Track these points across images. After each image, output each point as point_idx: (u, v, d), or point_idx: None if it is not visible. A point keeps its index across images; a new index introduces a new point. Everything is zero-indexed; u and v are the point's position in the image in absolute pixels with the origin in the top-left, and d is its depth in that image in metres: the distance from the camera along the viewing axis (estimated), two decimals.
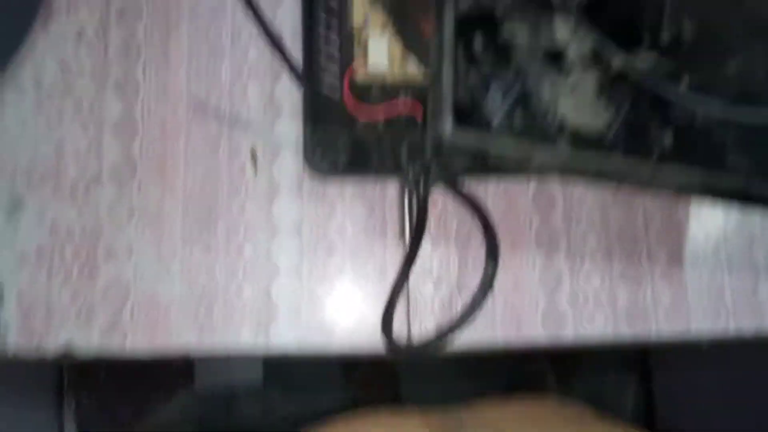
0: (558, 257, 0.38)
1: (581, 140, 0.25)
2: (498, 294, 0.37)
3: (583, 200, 0.38)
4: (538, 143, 0.25)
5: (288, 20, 0.38)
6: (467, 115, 0.24)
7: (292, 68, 0.37)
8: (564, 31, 0.27)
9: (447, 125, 0.25)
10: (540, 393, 0.90)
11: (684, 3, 0.28)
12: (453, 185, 0.37)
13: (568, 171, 0.27)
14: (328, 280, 0.37)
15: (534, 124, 0.25)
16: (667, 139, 0.26)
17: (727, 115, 0.27)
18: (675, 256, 0.38)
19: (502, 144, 0.25)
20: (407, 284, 0.36)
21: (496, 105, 0.25)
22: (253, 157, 0.37)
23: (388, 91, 0.36)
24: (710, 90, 0.27)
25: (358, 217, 0.37)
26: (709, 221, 0.39)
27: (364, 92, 0.35)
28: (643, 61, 0.27)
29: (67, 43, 0.36)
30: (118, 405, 0.98)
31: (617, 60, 0.27)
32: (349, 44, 0.35)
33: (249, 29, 0.38)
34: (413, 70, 0.35)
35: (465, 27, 0.25)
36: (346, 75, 0.35)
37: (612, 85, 0.27)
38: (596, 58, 0.27)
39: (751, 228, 0.39)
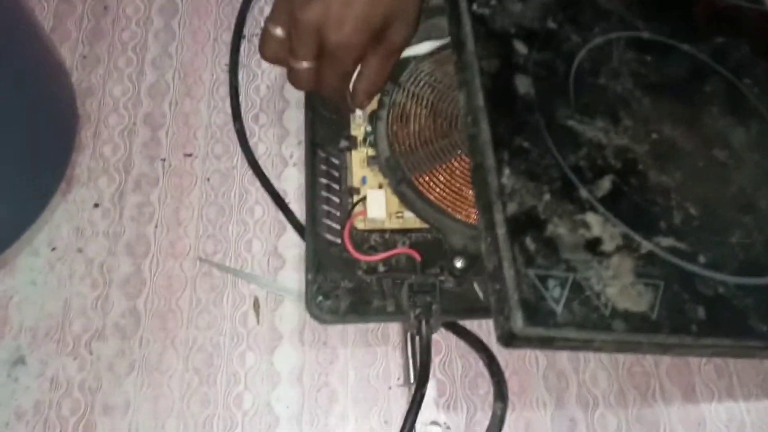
0: (569, 399, 0.36)
1: (631, 322, 0.29)
2: None
3: None
4: (596, 329, 0.28)
5: (292, 181, 0.41)
6: (533, 310, 0.28)
7: (294, 223, 0.39)
8: (596, 225, 0.31)
9: (518, 322, 0.27)
10: None
11: (685, 190, 0.34)
12: (455, 327, 0.37)
13: (623, 349, 0.31)
14: (331, 430, 0.35)
15: (589, 312, 0.28)
16: (701, 313, 0.30)
17: (741, 284, 0.31)
18: (690, 398, 0.37)
19: (566, 332, 0.28)
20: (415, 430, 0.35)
21: (555, 297, 0.28)
22: (256, 306, 0.38)
23: (386, 239, 0.37)
24: (723, 264, 0.32)
25: (361, 363, 0.37)
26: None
27: (363, 241, 0.37)
28: (665, 244, 0.32)
29: (84, 211, 0.39)
30: None
31: (644, 245, 0.31)
32: (349, 200, 0.38)
33: (255, 190, 0.41)
34: (408, 221, 0.38)
35: (516, 227, 0.30)
36: (348, 225, 0.37)
37: (645, 268, 0.30)
38: (627, 246, 0.31)
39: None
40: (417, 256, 0.36)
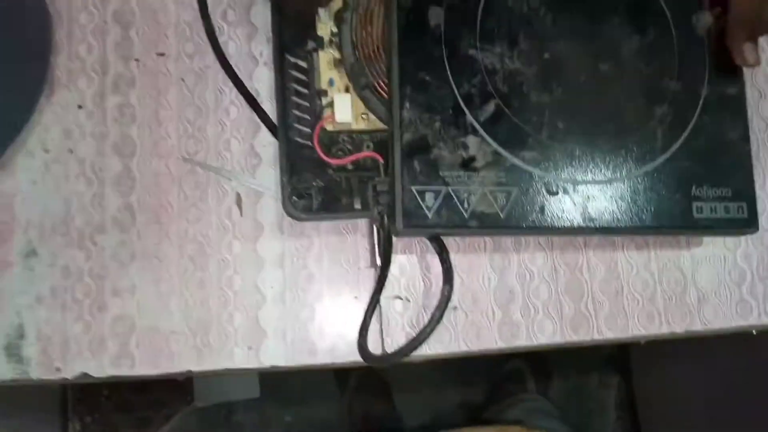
0: (510, 275, 0.43)
1: (483, 220, 0.37)
2: (459, 309, 0.42)
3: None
4: (456, 227, 0.37)
5: (264, 81, 0.43)
6: (410, 215, 0.37)
7: (267, 124, 0.42)
8: (473, 145, 0.37)
9: (400, 224, 0.37)
10: (520, 392, 0.95)
11: (560, 106, 0.39)
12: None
13: (475, 235, 0.42)
14: (309, 305, 0.42)
15: (453, 215, 0.37)
16: (540, 212, 0.38)
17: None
18: (612, 271, 0.44)
19: (434, 230, 0.39)
20: (379, 305, 0.42)
21: (429, 206, 0.37)
22: (239, 201, 0.42)
23: (354, 139, 0.41)
24: (573, 172, 0.39)
25: (334, 249, 0.42)
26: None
27: (333, 142, 0.41)
28: (528, 157, 0.38)
29: (69, 113, 0.42)
30: (120, 423, 1.02)
31: (510, 159, 0.38)
32: (317, 102, 0.41)
33: (229, 90, 0.43)
34: (373, 121, 0.41)
35: (409, 152, 0.37)
36: (317, 128, 0.40)
37: (505, 178, 0.38)
38: (495, 161, 0.37)
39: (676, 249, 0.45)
40: (380, 158, 0.40)
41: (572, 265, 0.44)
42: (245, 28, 0.44)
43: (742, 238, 0.45)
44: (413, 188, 0.36)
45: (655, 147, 0.39)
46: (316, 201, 0.40)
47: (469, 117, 0.37)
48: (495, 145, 0.37)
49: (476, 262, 0.43)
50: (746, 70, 0.43)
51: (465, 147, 0.37)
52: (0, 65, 0.38)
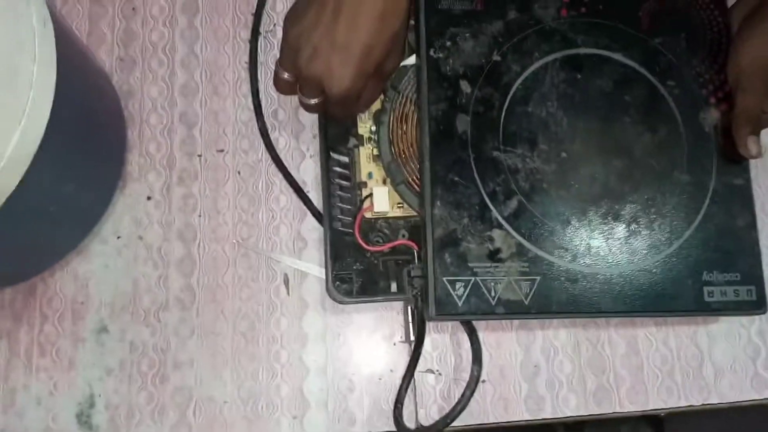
0: (535, 350, 0.47)
1: (509, 307, 0.41)
2: (488, 382, 0.46)
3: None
4: (484, 314, 0.41)
5: (310, 172, 0.48)
6: (442, 304, 0.40)
7: (313, 211, 0.47)
8: (498, 238, 0.42)
9: (432, 312, 0.41)
10: None
11: (577, 201, 0.43)
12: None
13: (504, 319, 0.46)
14: (349, 378, 0.46)
15: (481, 303, 0.41)
16: (563, 297, 0.42)
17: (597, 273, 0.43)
18: (633, 347, 0.47)
19: (463, 317, 0.43)
20: (413, 379, 0.45)
21: (459, 295, 0.40)
22: (286, 281, 0.47)
23: (390, 225, 0.46)
24: (590, 260, 0.43)
25: (371, 326, 0.46)
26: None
27: (371, 228, 0.45)
28: (549, 248, 0.42)
29: (140, 204, 0.47)
30: None
31: (532, 251, 0.42)
32: (358, 193, 0.46)
33: (279, 181, 0.48)
34: (408, 209, 0.45)
35: (441, 246, 0.41)
36: (358, 218, 0.45)
37: (529, 268, 0.42)
38: (519, 252, 0.41)
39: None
40: (414, 246, 0.44)
41: (594, 341, 0.47)
42: (294, 126, 0.49)
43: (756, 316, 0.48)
44: (444, 279, 0.40)
45: (667, 236, 0.43)
46: (356, 285, 0.44)
47: (495, 212, 0.41)
48: (518, 237, 0.41)
49: (503, 338, 0.47)
50: (752, 161, 0.47)
51: (491, 240, 0.41)
52: (82, 163, 0.44)
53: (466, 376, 0.45)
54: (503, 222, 0.41)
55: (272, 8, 0.51)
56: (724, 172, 0.45)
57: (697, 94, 0.45)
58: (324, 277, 0.45)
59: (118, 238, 0.47)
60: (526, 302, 0.40)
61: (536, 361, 0.47)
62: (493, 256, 0.41)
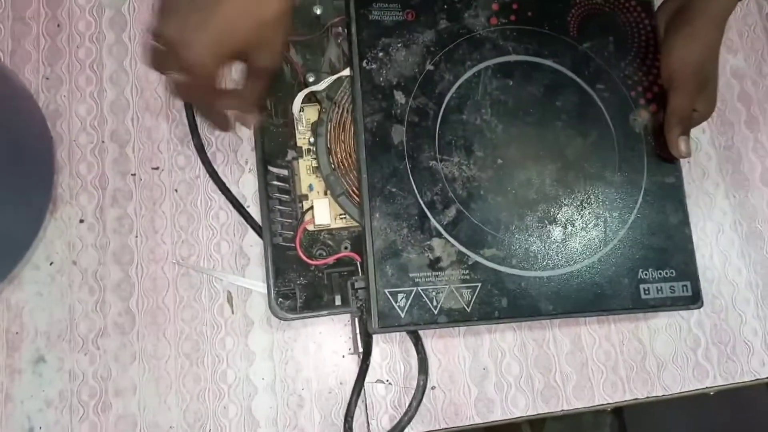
0: (483, 353, 0.47)
1: (451, 316, 0.41)
2: (438, 388, 0.46)
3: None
4: (426, 323, 0.41)
5: (250, 186, 0.47)
6: (384, 316, 0.40)
7: (254, 227, 0.47)
8: (438, 247, 0.42)
9: (374, 324, 0.41)
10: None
11: (513, 206, 0.44)
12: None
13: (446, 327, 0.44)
14: (298, 393, 0.45)
15: (423, 313, 0.41)
16: (503, 302, 0.42)
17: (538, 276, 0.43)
18: (577, 344, 0.48)
19: (406, 328, 0.42)
20: (363, 390, 0.45)
21: (401, 306, 0.40)
22: (229, 299, 0.46)
23: (334, 236, 0.45)
24: (528, 264, 0.43)
25: (318, 339, 0.46)
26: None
27: (314, 241, 0.45)
28: (487, 254, 0.43)
29: (72, 227, 0.46)
30: None
31: (472, 258, 0.42)
32: (298, 206, 0.45)
33: (218, 197, 0.47)
34: (350, 220, 0.45)
35: (381, 258, 0.41)
36: (299, 232, 0.44)
37: (469, 275, 0.42)
38: (459, 260, 0.41)
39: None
40: (357, 258, 0.44)
41: (540, 340, 0.48)
42: (231, 140, 0.48)
43: None
44: (386, 291, 0.40)
45: (602, 237, 0.44)
46: (300, 300, 0.44)
47: (433, 222, 0.41)
48: (458, 245, 0.41)
49: (451, 343, 0.47)
50: (683, 159, 0.48)
51: (431, 249, 0.41)
52: (8, 188, 0.42)
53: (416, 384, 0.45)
54: (442, 230, 0.41)
55: None
56: (655, 171, 0.46)
57: (626, 97, 0.46)
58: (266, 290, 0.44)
59: (51, 264, 0.45)
60: (468, 309, 0.41)
61: (484, 364, 0.47)
62: (434, 265, 0.41)
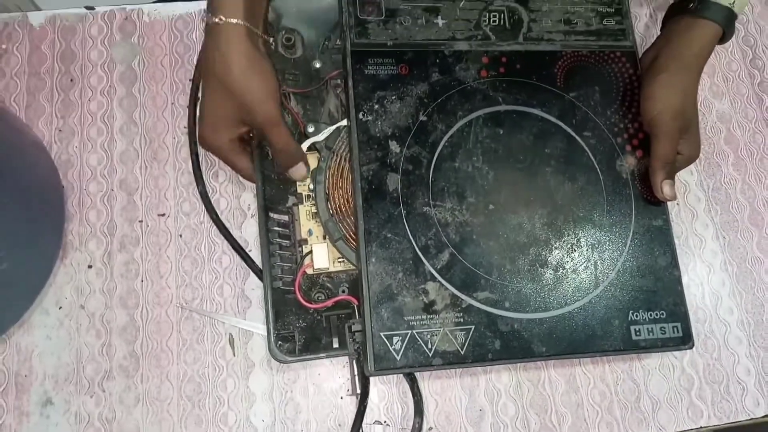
0: (479, 394, 0.48)
1: (446, 358, 0.42)
2: (435, 429, 0.46)
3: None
4: (421, 366, 0.42)
5: (252, 231, 0.49)
6: (380, 359, 0.41)
7: (255, 270, 0.48)
8: (432, 291, 0.43)
9: (371, 367, 0.42)
10: None
11: (505, 250, 0.45)
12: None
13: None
14: None
15: (418, 356, 0.42)
16: (497, 344, 0.43)
17: (531, 319, 0.44)
18: (572, 384, 0.49)
19: (402, 370, 0.42)
20: (361, 430, 0.46)
21: (397, 349, 0.41)
22: (231, 341, 0.47)
23: (333, 278, 0.47)
24: (521, 306, 0.44)
25: (317, 380, 0.47)
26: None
27: (313, 284, 0.46)
28: (481, 297, 0.44)
29: (81, 273, 0.47)
30: None
31: (465, 301, 0.43)
32: (298, 250, 0.47)
33: (221, 241, 0.49)
34: (348, 264, 0.47)
35: (377, 302, 0.42)
36: (298, 276, 0.46)
37: (463, 317, 0.43)
38: (453, 303, 0.43)
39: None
40: (354, 301, 0.46)
41: (535, 381, 0.49)
42: (234, 186, 0.50)
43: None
44: (382, 334, 0.41)
45: (593, 279, 0.45)
46: (299, 343, 0.45)
47: (427, 266, 0.43)
48: (451, 288, 0.43)
49: (447, 384, 0.48)
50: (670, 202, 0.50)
51: (425, 293, 0.42)
52: (20, 234, 0.44)
53: (414, 424, 0.46)
54: (436, 274, 0.43)
55: None
56: (643, 215, 0.47)
57: (613, 143, 0.48)
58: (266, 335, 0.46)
59: (60, 308, 0.47)
60: (462, 352, 0.42)
61: (481, 405, 0.48)
62: (428, 308, 0.42)
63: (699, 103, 0.57)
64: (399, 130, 0.45)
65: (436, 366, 0.41)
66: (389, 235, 0.43)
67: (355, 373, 0.47)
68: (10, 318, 0.45)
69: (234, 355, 0.47)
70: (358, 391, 0.46)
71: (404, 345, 0.41)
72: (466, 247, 0.44)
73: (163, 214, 0.49)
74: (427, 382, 0.47)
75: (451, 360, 0.42)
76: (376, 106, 0.45)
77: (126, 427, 0.45)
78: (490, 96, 0.47)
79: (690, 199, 0.55)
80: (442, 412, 0.47)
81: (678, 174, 0.54)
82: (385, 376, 0.47)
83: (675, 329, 0.45)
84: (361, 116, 0.45)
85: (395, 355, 0.41)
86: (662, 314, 0.45)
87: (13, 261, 0.43)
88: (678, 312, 0.46)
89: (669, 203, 0.49)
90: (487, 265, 0.44)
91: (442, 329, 0.42)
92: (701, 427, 0.49)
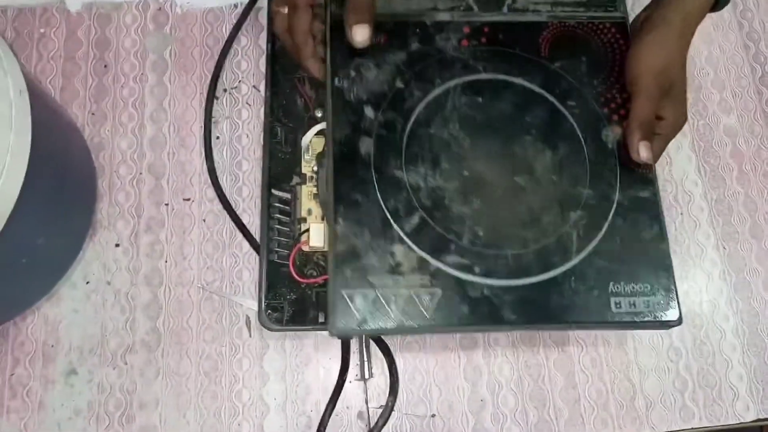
0: (482, 386, 0.50)
1: (411, 319, 0.42)
2: (438, 416, 0.49)
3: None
4: (382, 327, 0.42)
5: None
6: (342, 317, 0.42)
7: (254, 247, 0.50)
8: (399, 253, 0.43)
9: (334, 326, 0.42)
10: None
11: (479, 216, 0.45)
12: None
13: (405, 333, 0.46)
14: (307, 415, 0.48)
15: (381, 316, 0.42)
16: (465, 309, 0.43)
17: (503, 285, 0.44)
18: (570, 381, 0.51)
19: (364, 330, 0.42)
20: (368, 413, 0.48)
21: (359, 308, 0.42)
22: (248, 323, 0.50)
23: (326, 257, 0.48)
24: (493, 272, 0.44)
25: (328, 364, 0.49)
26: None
27: (308, 261, 0.48)
28: (450, 261, 0.43)
29: (108, 251, 0.50)
30: None
31: (433, 264, 0.43)
32: (297, 227, 0.49)
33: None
34: None
35: (342, 261, 0.43)
36: (294, 251, 0.48)
37: (430, 281, 0.43)
38: (420, 266, 0.43)
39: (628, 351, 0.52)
40: None
41: (535, 376, 0.51)
42: (257, 176, 0.53)
43: (684, 350, 0.52)
44: (344, 292, 0.42)
45: (571, 249, 0.45)
46: (287, 314, 0.47)
47: (396, 228, 0.43)
48: (419, 251, 0.43)
49: (451, 373, 0.50)
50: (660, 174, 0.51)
51: (393, 255, 0.43)
52: (53, 216, 0.46)
53: (417, 410, 0.48)
54: (405, 237, 0.43)
55: (237, 66, 0.55)
56: (628, 186, 0.47)
57: (599, 113, 0.48)
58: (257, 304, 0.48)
59: (87, 283, 0.49)
60: (427, 315, 0.42)
61: (482, 396, 0.50)
62: (394, 270, 0.43)
63: (707, 117, 0.59)
64: (375, 97, 0.46)
65: (399, 328, 0.42)
66: (359, 197, 0.44)
67: (365, 359, 0.49)
68: (41, 290, 0.48)
69: (250, 336, 0.49)
70: (367, 376, 0.49)
71: (367, 305, 0.42)
72: (438, 212, 0.44)
73: (188, 199, 0.52)
74: (431, 369, 0.50)
75: (416, 323, 0.42)
76: (353, 73, 0.47)
77: (146, 399, 0.47)
78: (470, 65, 0.48)
79: (693, 209, 0.56)
80: (446, 400, 0.50)
81: (683, 183, 0.56)
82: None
83: (660, 304, 0.44)
84: (336, 82, 0.46)
85: (356, 314, 0.41)
86: (646, 287, 0.44)
87: (48, 236, 0.45)
88: (664, 286, 0.45)
89: (674, 208, 0.51)
90: (458, 230, 0.44)
91: (408, 291, 0.42)
92: (692, 429, 0.51)
